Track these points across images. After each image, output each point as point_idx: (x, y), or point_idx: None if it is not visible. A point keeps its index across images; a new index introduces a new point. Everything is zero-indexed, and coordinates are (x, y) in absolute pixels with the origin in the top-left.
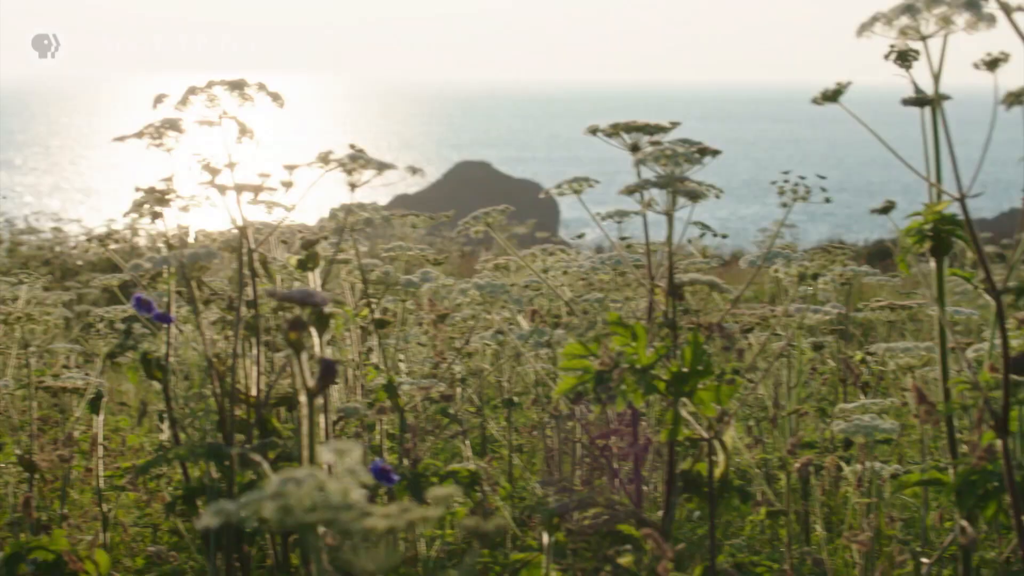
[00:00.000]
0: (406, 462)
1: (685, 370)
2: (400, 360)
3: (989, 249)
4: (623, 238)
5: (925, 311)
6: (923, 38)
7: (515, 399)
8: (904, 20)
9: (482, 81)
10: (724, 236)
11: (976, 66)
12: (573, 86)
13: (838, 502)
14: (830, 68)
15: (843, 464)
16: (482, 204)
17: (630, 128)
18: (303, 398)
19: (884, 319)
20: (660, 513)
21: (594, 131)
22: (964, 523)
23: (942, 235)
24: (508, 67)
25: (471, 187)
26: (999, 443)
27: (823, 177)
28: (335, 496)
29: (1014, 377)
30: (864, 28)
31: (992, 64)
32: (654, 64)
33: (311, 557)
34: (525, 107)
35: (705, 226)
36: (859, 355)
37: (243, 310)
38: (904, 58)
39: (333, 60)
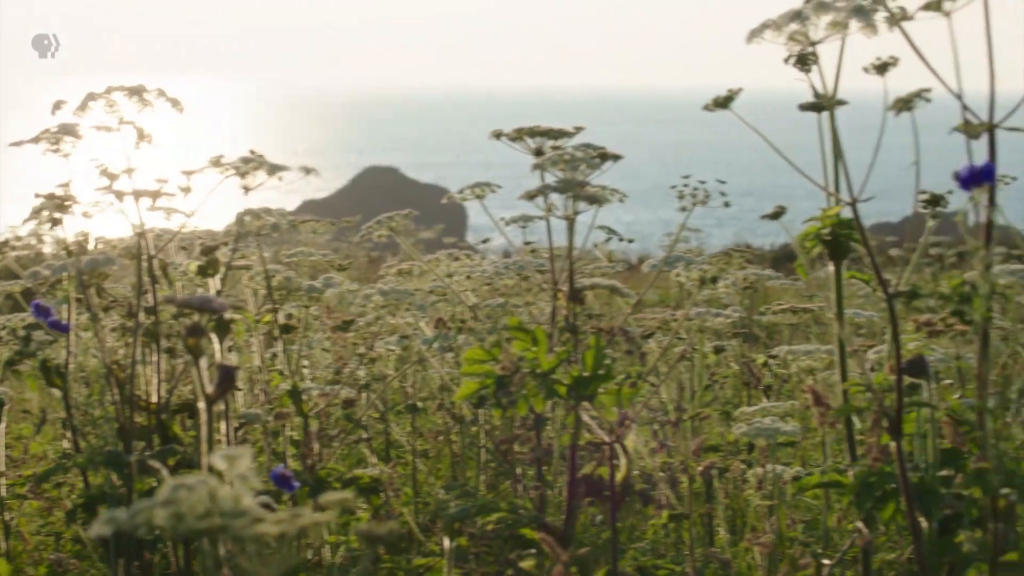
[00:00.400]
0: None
1: (586, 374)
2: (304, 366)
3: (895, 252)
4: (528, 243)
5: (829, 314)
6: (812, 44)
7: (419, 404)
8: (793, 26)
9: (393, 85)
10: (630, 240)
11: (866, 70)
12: (485, 90)
13: (742, 505)
14: (752, 70)
15: (745, 467)
16: (390, 209)
17: (534, 133)
18: (202, 404)
19: (787, 322)
20: (564, 517)
21: (498, 136)
22: (860, 524)
23: (839, 239)
24: (419, 71)
25: (379, 192)
26: (894, 445)
27: (723, 182)
28: (227, 502)
29: (907, 379)
30: (754, 35)
31: (881, 68)
32: (574, 67)
33: (205, 564)
34: (436, 111)
35: (611, 230)
36: (761, 358)
37: (143, 317)
38: (804, 62)
39: (246, 63)
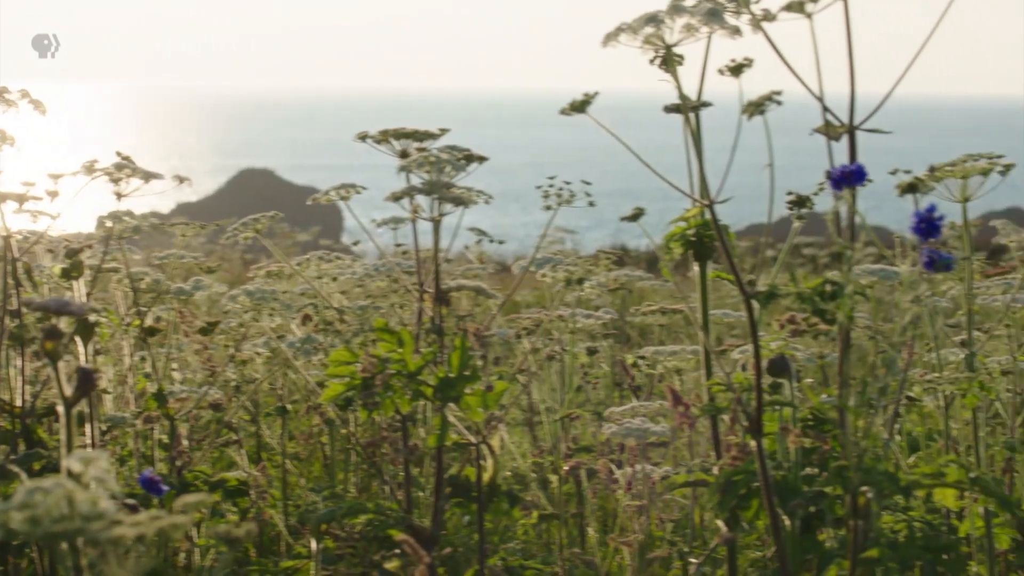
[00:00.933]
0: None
1: (452, 375)
2: (174, 369)
3: (769, 254)
4: (399, 245)
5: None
6: (668, 47)
7: (288, 406)
8: (648, 29)
9: (270, 89)
10: (501, 242)
11: (721, 72)
12: (365, 92)
13: (613, 505)
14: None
15: (614, 467)
16: (265, 211)
17: (399, 134)
18: (61, 408)
19: (657, 323)
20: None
21: (363, 138)
22: (721, 523)
23: (704, 240)
24: (298, 75)
25: (254, 194)
26: (754, 444)
27: (588, 183)
28: (84, 505)
29: (767, 379)
30: (610, 38)
31: (736, 70)
32: (450, 71)
33: (62, 568)
34: (313, 114)
35: (481, 232)
36: (631, 359)
37: (7, 320)
38: (667, 63)
39: (121, 69)
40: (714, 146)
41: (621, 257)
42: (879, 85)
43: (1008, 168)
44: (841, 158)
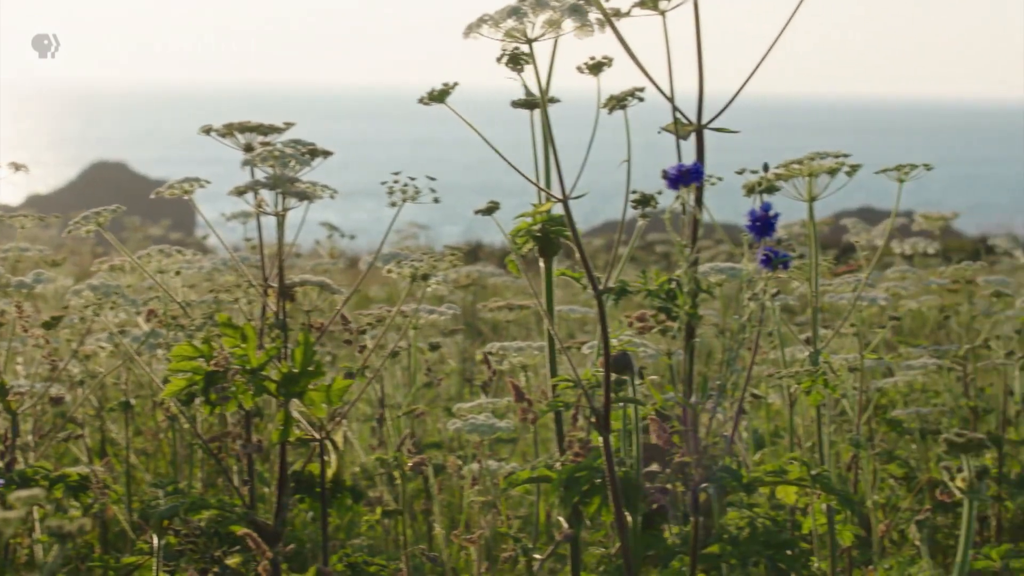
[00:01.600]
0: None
1: (295, 371)
2: (18, 363)
3: (622, 251)
4: (248, 239)
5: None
6: (529, 41)
7: (132, 401)
8: (511, 23)
9: (128, 80)
10: (352, 237)
11: (580, 70)
12: (224, 85)
13: (461, 501)
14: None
15: (461, 463)
16: (120, 203)
17: (244, 128)
18: None
19: (507, 319)
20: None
21: (207, 131)
22: (562, 519)
23: (550, 236)
24: (158, 66)
25: (107, 187)
26: (600, 439)
27: (432, 178)
28: None
29: (615, 375)
30: (471, 30)
31: (595, 68)
32: (317, 65)
33: None
34: (172, 107)
35: (332, 226)
36: (479, 355)
37: None
38: (515, 61)
39: None
40: (576, 142)
41: (474, 252)
42: (741, 84)
43: (855, 168)
44: (690, 157)
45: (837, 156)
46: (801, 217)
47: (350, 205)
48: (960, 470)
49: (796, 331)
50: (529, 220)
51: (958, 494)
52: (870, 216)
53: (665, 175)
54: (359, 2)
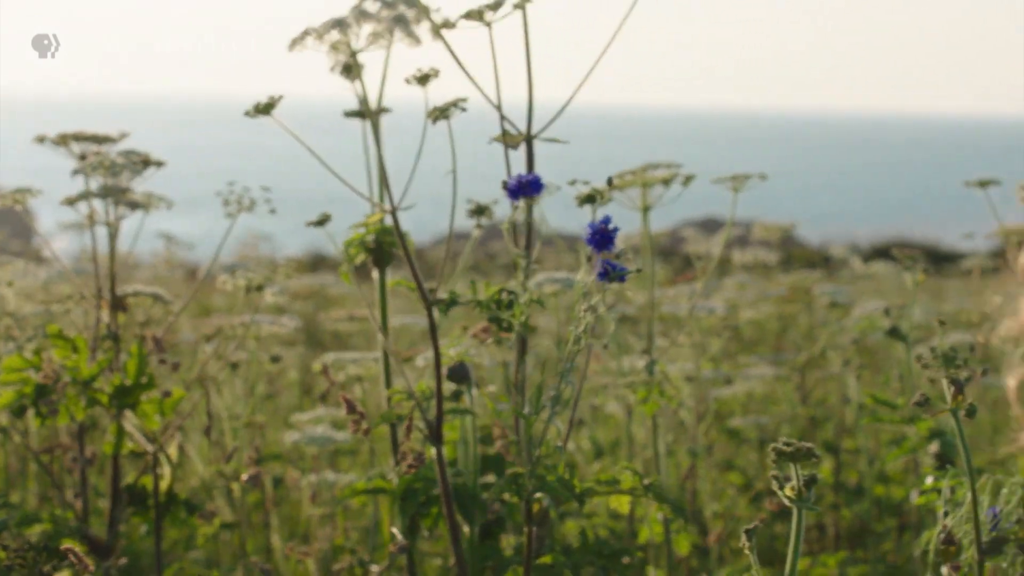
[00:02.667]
0: None
1: (128, 383)
2: None
3: (455, 262)
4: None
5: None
6: (354, 53)
7: None
8: (335, 35)
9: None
10: (190, 247)
11: (408, 81)
12: (71, 95)
13: (302, 513)
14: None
15: (299, 475)
16: None
17: (79, 138)
18: None
19: (347, 330)
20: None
21: (42, 140)
22: (395, 531)
23: (383, 246)
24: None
25: None
26: (433, 451)
27: (267, 188)
28: None
29: (453, 386)
30: (296, 42)
31: (423, 79)
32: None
33: None
34: (24, 113)
35: (169, 237)
36: (317, 366)
37: None
38: (349, 71)
39: None
40: (420, 151)
41: (317, 263)
42: (584, 94)
43: (689, 179)
44: (519, 167)
45: (670, 166)
46: (658, 225)
47: (201, 214)
48: (789, 479)
49: (636, 341)
50: (363, 231)
51: (787, 503)
52: (714, 226)
53: (505, 186)
54: (215, 10)
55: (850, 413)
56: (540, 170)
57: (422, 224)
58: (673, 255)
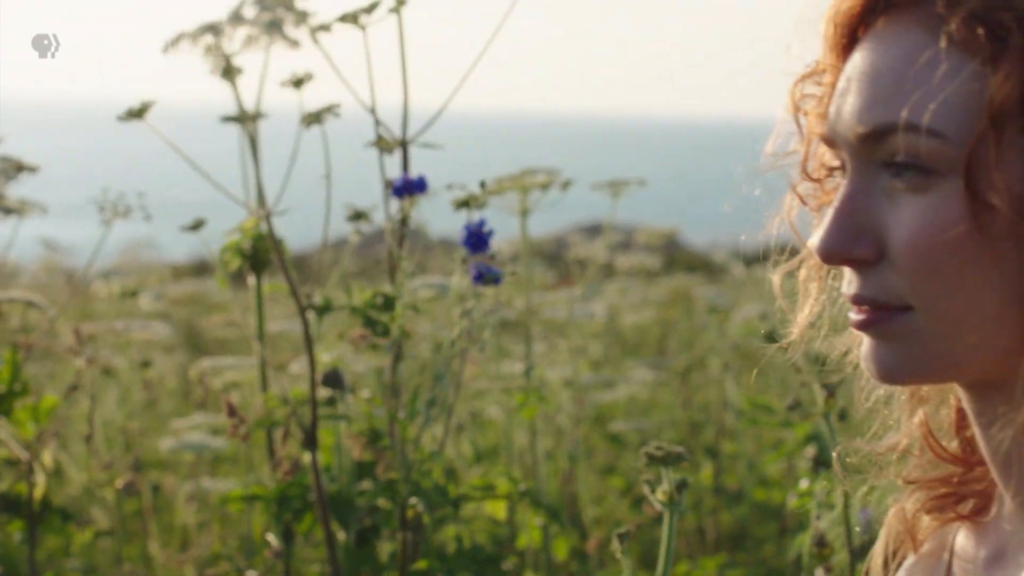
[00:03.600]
0: None
1: (1, 390)
2: None
3: (333, 267)
4: None
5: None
6: (228, 57)
7: None
8: (209, 39)
9: None
10: (73, 253)
11: (283, 85)
12: None
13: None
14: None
15: (176, 482)
16: None
17: None
18: None
19: (227, 336)
20: None
21: None
22: (270, 537)
23: (259, 252)
24: None
25: None
26: (308, 457)
27: (142, 194)
28: None
29: (322, 392)
30: (170, 46)
31: (297, 83)
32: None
33: None
34: None
35: (48, 243)
36: (195, 372)
37: None
38: (228, 74)
39: None
40: (302, 155)
41: (201, 268)
42: (464, 98)
43: (566, 184)
44: (396, 171)
45: (549, 172)
46: (546, 230)
47: (88, 220)
48: (660, 482)
49: (516, 346)
50: (238, 236)
51: (659, 507)
52: (601, 231)
53: (390, 185)
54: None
55: (730, 417)
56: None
57: (308, 229)
58: (559, 260)
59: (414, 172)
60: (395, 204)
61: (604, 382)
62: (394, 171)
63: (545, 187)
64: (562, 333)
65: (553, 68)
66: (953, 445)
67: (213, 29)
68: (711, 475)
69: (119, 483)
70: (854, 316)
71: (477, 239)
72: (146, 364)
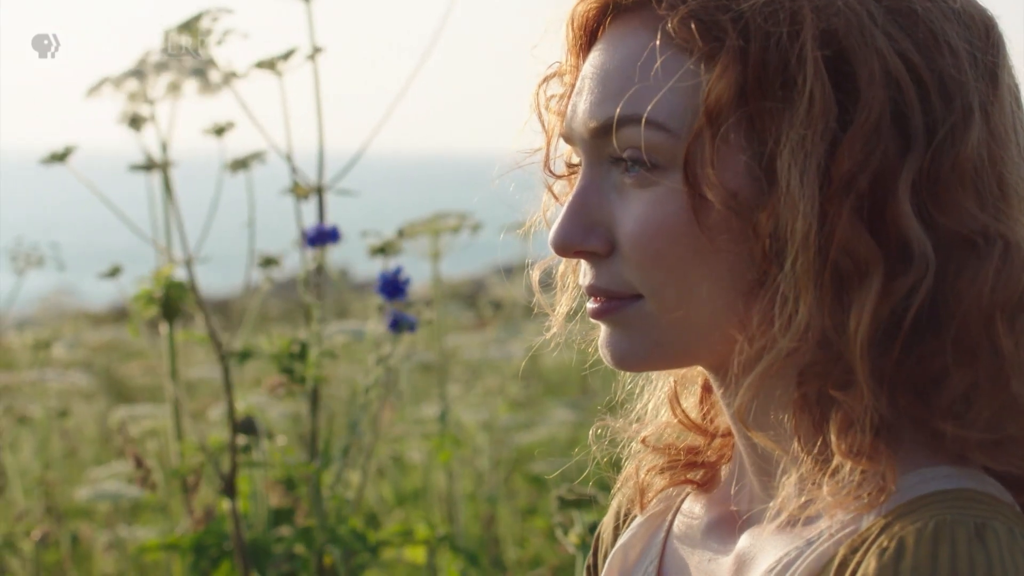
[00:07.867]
0: None
1: None
2: None
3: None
4: None
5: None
6: (151, 103)
7: None
8: (133, 84)
9: None
10: None
11: (205, 132)
12: None
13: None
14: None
15: (95, 532)
16: None
17: None
18: None
19: (143, 383)
20: None
21: None
22: None
23: (171, 300)
24: None
25: None
26: (226, 505)
27: (56, 243)
28: None
29: (240, 439)
30: (93, 91)
31: (219, 131)
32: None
33: None
34: None
35: None
36: (114, 421)
37: None
38: (136, 123)
39: None
40: (227, 202)
41: (122, 315)
42: (382, 141)
43: (476, 227)
44: (312, 217)
45: (460, 215)
46: (465, 271)
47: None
48: (573, 525)
49: (434, 389)
50: (151, 284)
51: (571, 550)
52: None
53: (304, 235)
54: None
55: None
56: (337, 218)
57: (231, 275)
58: (477, 301)
59: (331, 216)
60: (311, 250)
61: (523, 423)
62: (312, 216)
63: (456, 230)
64: (478, 375)
65: (473, 109)
66: (695, 414)
67: (137, 74)
68: None
69: (35, 534)
70: (591, 306)
71: (393, 287)
72: (63, 413)
